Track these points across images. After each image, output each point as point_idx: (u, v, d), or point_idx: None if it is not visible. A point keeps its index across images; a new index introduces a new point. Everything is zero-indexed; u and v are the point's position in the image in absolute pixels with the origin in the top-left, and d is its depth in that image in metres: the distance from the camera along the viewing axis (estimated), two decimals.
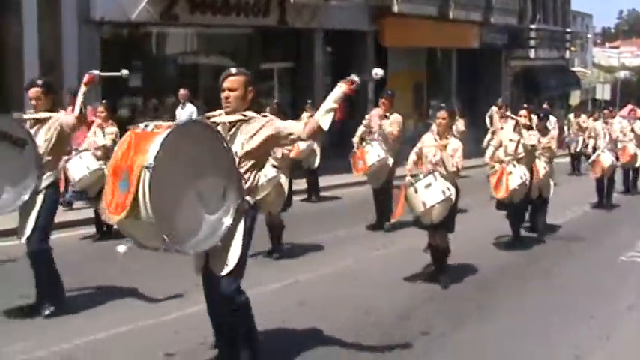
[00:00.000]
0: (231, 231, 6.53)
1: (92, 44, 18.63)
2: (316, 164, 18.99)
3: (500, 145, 14.24)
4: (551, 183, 15.69)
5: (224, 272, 6.66)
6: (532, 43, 42.66)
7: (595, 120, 24.25)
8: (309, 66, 25.86)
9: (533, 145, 14.03)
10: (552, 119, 23.89)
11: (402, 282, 11.23)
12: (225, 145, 6.49)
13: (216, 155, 6.37)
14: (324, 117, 6.97)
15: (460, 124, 22.40)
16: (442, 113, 11.24)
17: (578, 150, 27.70)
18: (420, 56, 34.57)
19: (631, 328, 9.64)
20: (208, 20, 21.59)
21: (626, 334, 9.30)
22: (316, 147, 18.54)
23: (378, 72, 7.41)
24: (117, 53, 19.88)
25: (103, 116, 14.11)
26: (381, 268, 12.29)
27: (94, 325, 8.73)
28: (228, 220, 6.41)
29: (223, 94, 7.02)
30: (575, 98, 56.67)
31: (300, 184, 18.59)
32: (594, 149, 20.14)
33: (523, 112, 14.37)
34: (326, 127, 6.93)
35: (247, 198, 6.83)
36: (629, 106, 46.92)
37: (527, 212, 15.47)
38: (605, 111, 23.94)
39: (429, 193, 10.66)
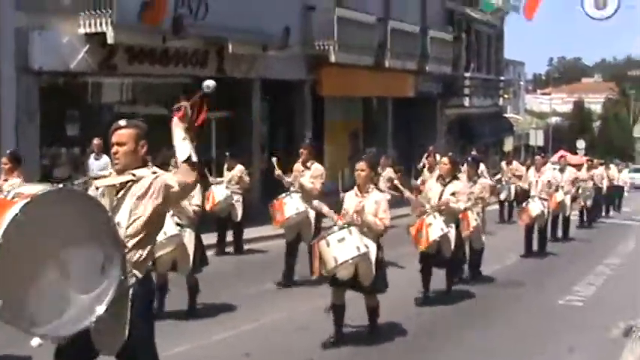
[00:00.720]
0: (117, 311, 5.57)
1: (30, 93, 18.49)
2: (239, 217, 18.23)
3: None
4: (482, 237, 15.55)
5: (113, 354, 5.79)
6: (466, 91, 43.28)
7: (527, 167, 24.37)
8: (247, 115, 25.91)
9: (465, 208, 13.50)
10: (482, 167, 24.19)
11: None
12: (103, 212, 5.54)
13: (92, 225, 5.40)
14: (179, 152, 6.09)
15: (390, 173, 21.01)
16: (361, 165, 10.47)
17: (510, 198, 27.44)
18: (357, 105, 34.81)
19: None
20: (146, 70, 21.56)
21: None
22: (236, 199, 18.05)
23: (209, 84, 6.53)
24: (55, 102, 19.74)
25: (7, 168, 12.75)
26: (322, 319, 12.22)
27: None
28: (101, 307, 5.34)
29: (112, 150, 6.19)
30: (509, 145, 57.52)
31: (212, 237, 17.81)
32: (522, 197, 20.64)
33: (445, 159, 13.61)
34: (183, 157, 6.03)
35: (135, 272, 5.85)
36: (561, 152, 47.88)
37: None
38: (537, 157, 23.24)
39: (342, 248, 9.82)
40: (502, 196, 27.72)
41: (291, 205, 14.46)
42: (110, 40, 19.26)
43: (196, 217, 11.58)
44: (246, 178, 18.50)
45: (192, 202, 11.23)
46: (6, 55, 18.21)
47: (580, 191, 24.99)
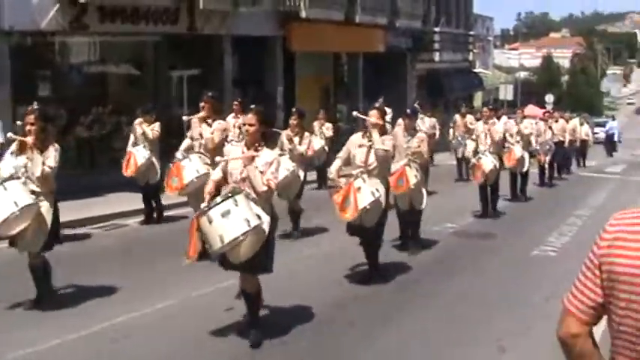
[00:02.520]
0: None
1: (1, 53, 18.37)
2: (157, 178, 15.87)
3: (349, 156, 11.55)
4: (424, 192, 13.64)
5: None
6: (436, 46, 43.24)
7: (477, 120, 23.13)
8: (218, 72, 25.83)
9: (386, 150, 11.13)
10: (430, 120, 23.60)
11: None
12: None
13: None
14: None
15: (327, 130, 21.44)
16: (249, 118, 8.81)
17: (465, 154, 24.17)
18: (327, 60, 34.81)
19: (550, 317, 9.91)
20: (117, 28, 21.40)
21: (545, 324, 9.59)
22: (154, 160, 15.90)
23: None
24: (26, 62, 19.62)
25: None
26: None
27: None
28: None
29: None
30: (478, 99, 57.69)
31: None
32: (475, 152, 18.49)
33: (373, 112, 11.46)
34: None
35: None
36: (530, 106, 48.05)
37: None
38: (485, 109, 21.44)
39: (228, 224, 8.00)
40: (459, 153, 25.81)
41: (190, 169, 12.78)
42: None
43: (52, 182, 9.85)
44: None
45: (47, 162, 9.65)
46: None
47: (539, 146, 23.65)
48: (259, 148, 8.62)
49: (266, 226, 8.31)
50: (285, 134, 15.00)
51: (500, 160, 18.41)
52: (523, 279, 12.12)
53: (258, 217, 8.22)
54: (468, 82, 50.59)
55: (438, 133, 24.23)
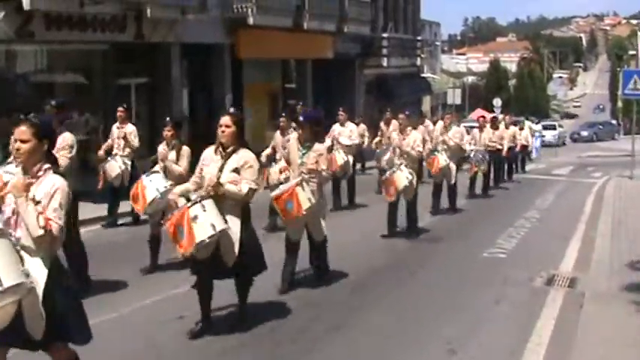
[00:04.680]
0: None
1: None
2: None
3: None
4: (322, 223, 11.38)
5: None
6: (384, 51, 43.38)
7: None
8: (166, 80, 25.75)
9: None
10: (359, 128, 22.13)
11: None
12: None
13: None
14: None
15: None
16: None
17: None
18: (275, 67, 34.79)
19: (499, 319, 10.08)
20: (64, 36, 21.24)
21: (495, 325, 9.73)
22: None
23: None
24: None
25: None
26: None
27: None
28: None
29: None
30: (426, 104, 58.05)
31: None
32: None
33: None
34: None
35: None
36: (478, 111, 48.42)
37: None
38: (387, 114, 21.57)
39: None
40: (383, 163, 19.91)
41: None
42: (26, 5, 18.92)
43: None
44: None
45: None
46: None
47: (472, 155, 22.11)
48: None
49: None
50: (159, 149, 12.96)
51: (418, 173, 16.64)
52: (473, 281, 12.21)
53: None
54: (416, 87, 50.83)
55: (367, 141, 23.20)
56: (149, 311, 10.19)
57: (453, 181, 19.25)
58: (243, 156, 8.85)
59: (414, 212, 15.83)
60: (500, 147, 25.32)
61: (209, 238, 8.32)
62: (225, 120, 8.87)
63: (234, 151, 8.86)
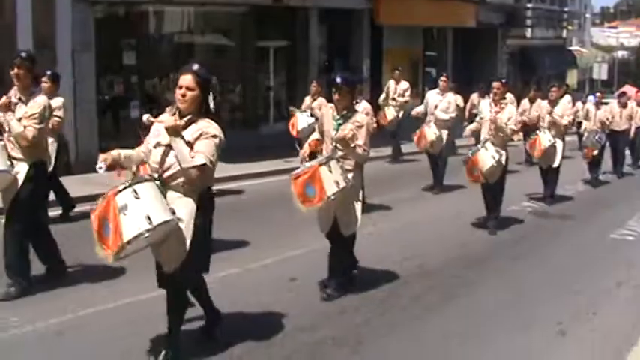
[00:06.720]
0: None
1: (85, 22, 18.47)
2: None
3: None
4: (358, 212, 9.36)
5: None
6: (529, 22, 42.58)
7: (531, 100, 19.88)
8: (304, 45, 25.81)
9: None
10: (455, 97, 19.34)
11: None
12: None
13: None
14: None
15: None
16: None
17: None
18: (416, 34, 34.43)
19: (618, 303, 9.74)
20: None
21: (612, 310, 9.40)
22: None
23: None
24: (111, 32, 19.78)
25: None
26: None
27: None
28: None
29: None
30: (572, 78, 56.64)
31: None
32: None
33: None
34: None
35: None
36: (628, 87, 46.93)
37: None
38: (532, 92, 20.14)
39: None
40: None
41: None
42: None
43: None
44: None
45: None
46: None
47: (584, 138, 20.36)
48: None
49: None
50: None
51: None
52: (596, 262, 11.85)
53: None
54: (560, 60, 49.74)
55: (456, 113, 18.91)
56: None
57: (555, 164, 16.38)
58: (201, 127, 6.69)
59: (500, 196, 13.61)
60: (626, 127, 22.40)
61: (145, 232, 6.33)
62: (187, 80, 6.72)
63: (191, 122, 6.74)
